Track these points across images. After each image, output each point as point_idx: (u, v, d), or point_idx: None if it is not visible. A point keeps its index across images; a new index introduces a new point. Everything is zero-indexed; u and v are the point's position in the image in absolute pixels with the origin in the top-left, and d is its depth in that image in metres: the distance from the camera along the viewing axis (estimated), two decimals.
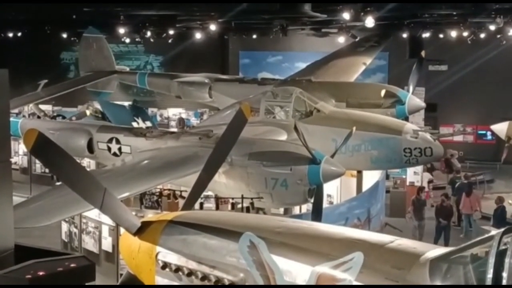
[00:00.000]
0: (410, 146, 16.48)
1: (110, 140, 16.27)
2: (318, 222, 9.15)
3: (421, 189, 21.40)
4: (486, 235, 5.42)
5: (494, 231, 5.55)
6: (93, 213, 14.48)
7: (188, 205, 7.62)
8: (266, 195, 14.21)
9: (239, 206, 14.88)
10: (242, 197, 14.37)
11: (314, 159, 13.68)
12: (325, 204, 16.73)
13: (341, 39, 27.62)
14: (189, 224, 6.76)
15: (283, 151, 14.20)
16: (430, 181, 25.02)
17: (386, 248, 5.85)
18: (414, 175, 24.60)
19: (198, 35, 28.04)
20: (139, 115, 24.73)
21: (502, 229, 5.27)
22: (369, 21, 14.76)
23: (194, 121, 31.60)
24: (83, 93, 28.94)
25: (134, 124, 22.54)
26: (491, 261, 5.08)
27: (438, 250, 5.73)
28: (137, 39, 32.37)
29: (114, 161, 15.58)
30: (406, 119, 19.46)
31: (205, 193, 15.83)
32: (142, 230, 7.00)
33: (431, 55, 28.09)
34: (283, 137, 16.23)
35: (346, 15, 14.50)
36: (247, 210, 14.64)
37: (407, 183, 24.06)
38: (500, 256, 5.10)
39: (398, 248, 5.84)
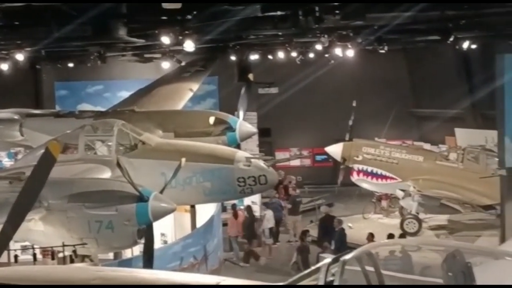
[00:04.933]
0: (244, 175, 16.72)
1: None
2: (141, 269, 8.96)
3: (304, 233, 21.73)
4: (313, 267, 5.55)
5: (325, 260, 5.71)
6: None
7: None
8: (90, 240, 13.85)
9: (60, 255, 14.35)
10: (63, 245, 13.86)
11: (141, 196, 13.56)
12: (158, 244, 16.62)
13: (166, 65, 27.67)
14: None
15: (107, 190, 13.94)
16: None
17: None
18: (253, 205, 25.06)
19: (4, 66, 26.77)
20: None
21: (328, 260, 5.41)
22: (188, 45, 14.85)
23: (7, 162, 30.08)
24: None
25: None
26: None
27: None
28: None
29: None
30: (238, 146, 19.78)
31: (21, 243, 15.23)
32: None
33: (261, 77, 28.90)
34: (107, 174, 15.92)
35: (165, 39, 14.52)
36: (70, 259, 14.14)
37: (246, 214, 24.44)
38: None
39: None
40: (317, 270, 5.41)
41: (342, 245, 20.61)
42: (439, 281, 5.55)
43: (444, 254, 5.69)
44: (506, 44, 19.48)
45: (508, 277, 6.43)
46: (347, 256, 5.40)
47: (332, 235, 21.75)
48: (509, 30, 19.27)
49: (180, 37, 14.25)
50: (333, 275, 5.32)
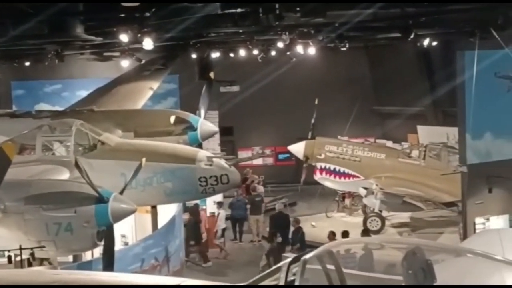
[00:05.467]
0: (205, 175, 16.68)
1: None
2: (100, 272, 8.89)
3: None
4: (274, 267, 5.56)
5: (286, 259, 5.72)
6: None
7: None
8: (48, 243, 13.74)
9: (18, 258, 14.18)
10: (21, 248, 13.69)
11: (101, 197, 13.50)
12: (119, 246, 16.52)
13: (125, 63, 27.45)
14: None
15: (65, 191, 13.84)
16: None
17: None
18: (214, 205, 25.01)
19: None
20: None
21: (289, 260, 5.43)
22: (147, 43, 14.75)
23: None
24: None
25: None
26: None
27: None
28: None
29: None
30: (200, 145, 19.73)
31: None
32: None
33: (223, 76, 28.84)
34: (65, 175, 15.75)
35: (123, 37, 14.40)
36: (28, 262, 13.98)
37: (208, 214, 24.42)
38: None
39: None
40: (278, 269, 5.42)
41: (301, 244, 20.74)
42: (401, 278, 5.60)
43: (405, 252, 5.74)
44: (466, 41, 19.73)
45: (469, 274, 6.52)
46: (308, 255, 5.42)
47: (284, 233, 21.94)
48: (469, 27, 19.53)
49: (139, 35, 14.17)
50: (294, 274, 5.34)
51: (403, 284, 5.35)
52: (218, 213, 24.25)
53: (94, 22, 14.45)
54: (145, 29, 13.94)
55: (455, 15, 17.35)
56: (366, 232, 20.65)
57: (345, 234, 19.36)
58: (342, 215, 28.54)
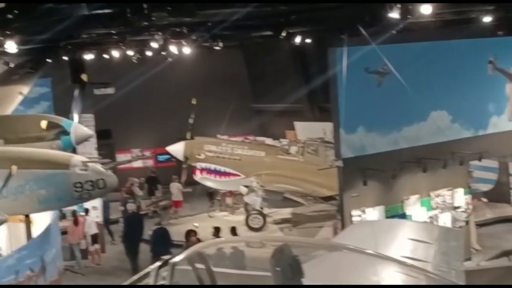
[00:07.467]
0: (81, 180, 16.28)
1: None
2: None
3: (189, 233, 21.24)
4: (143, 272, 5.52)
5: (155, 263, 5.68)
6: None
7: None
8: None
9: None
10: None
11: None
12: None
13: None
14: None
15: None
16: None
17: None
18: (94, 210, 24.57)
19: None
20: None
21: (158, 264, 5.40)
22: (11, 46, 14.26)
23: None
24: None
25: None
26: None
27: None
28: None
29: None
30: (74, 150, 19.30)
31: None
32: None
33: (98, 78, 28.29)
34: None
35: None
36: None
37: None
38: None
39: None
40: (147, 275, 5.38)
41: (165, 244, 20.60)
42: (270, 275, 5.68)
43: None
44: (337, 38, 20.26)
45: (342, 268, 6.72)
46: (177, 258, 5.41)
47: (138, 233, 22.03)
48: (340, 24, 20.05)
49: (1, 38, 13.66)
50: (163, 278, 5.31)
51: (272, 281, 5.43)
52: (85, 220, 23.84)
53: None
54: (8, 32, 13.46)
55: (325, 13, 17.75)
56: (234, 230, 20.76)
57: (188, 234, 19.48)
58: (225, 214, 28.74)
